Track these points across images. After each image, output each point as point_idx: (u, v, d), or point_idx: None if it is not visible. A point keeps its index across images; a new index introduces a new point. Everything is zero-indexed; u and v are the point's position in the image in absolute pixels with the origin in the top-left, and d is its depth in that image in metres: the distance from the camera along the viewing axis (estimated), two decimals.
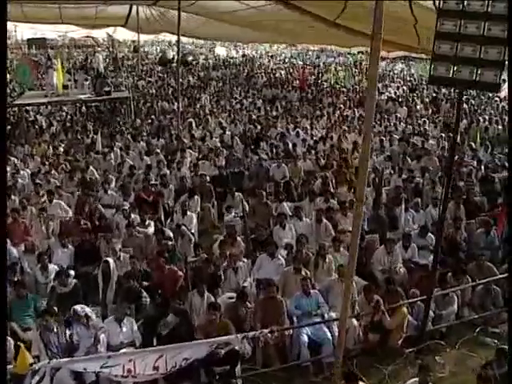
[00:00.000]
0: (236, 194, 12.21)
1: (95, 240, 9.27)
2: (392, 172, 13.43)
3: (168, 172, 13.20)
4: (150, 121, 19.09)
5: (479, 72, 6.10)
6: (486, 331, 8.11)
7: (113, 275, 7.66)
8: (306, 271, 8.07)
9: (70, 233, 9.42)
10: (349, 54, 39.17)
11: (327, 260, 8.43)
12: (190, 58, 28.71)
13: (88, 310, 6.69)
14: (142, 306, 7.26)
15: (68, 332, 6.44)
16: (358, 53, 37.84)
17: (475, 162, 14.43)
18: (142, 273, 7.90)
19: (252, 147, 15.78)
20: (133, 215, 10.14)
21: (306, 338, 7.06)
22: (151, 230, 9.63)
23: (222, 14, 18.34)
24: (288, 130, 18.06)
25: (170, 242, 8.63)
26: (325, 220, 9.91)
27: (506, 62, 6.05)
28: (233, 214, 10.91)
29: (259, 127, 18.49)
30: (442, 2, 6.15)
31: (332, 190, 12.07)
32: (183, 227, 9.34)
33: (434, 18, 12.04)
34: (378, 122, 19.52)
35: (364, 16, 14.63)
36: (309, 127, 18.41)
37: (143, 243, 9.16)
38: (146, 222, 9.79)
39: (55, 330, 6.37)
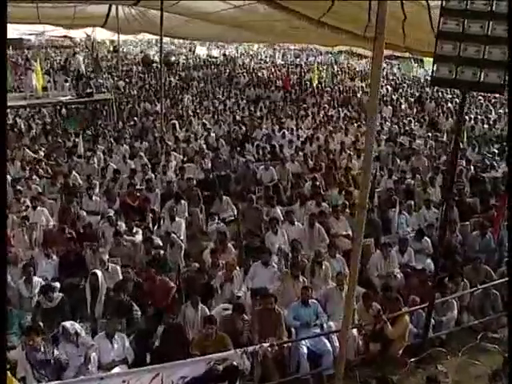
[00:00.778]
0: (224, 197, 11.93)
1: (81, 250, 8.88)
2: (382, 173, 13.23)
3: (153, 176, 12.87)
4: (132, 123, 18.68)
5: (483, 73, 5.90)
6: (487, 336, 7.93)
7: (101, 288, 7.28)
8: (304, 279, 7.80)
9: (55, 242, 9.01)
10: (330, 53, 39.01)
11: (324, 267, 8.17)
12: (173, 59, 28.25)
13: (78, 326, 6.32)
14: (133, 320, 6.91)
15: (56, 351, 6.06)
16: (339, 52, 37.81)
17: (464, 162, 14.31)
18: (132, 284, 7.52)
19: (238, 149, 15.49)
20: (119, 222, 9.78)
21: (305, 350, 6.79)
22: (139, 237, 9.27)
23: (205, 13, 18.00)
24: (273, 130, 17.82)
25: (160, 251, 8.27)
26: (317, 224, 9.65)
27: None
28: (216, 221, 10.56)
29: (244, 128, 18.22)
30: (444, 1, 5.91)
31: (322, 192, 11.82)
32: (173, 235, 8.99)
33: (425, 14, 11.92)
34: (364, 122, 19.36)
35: (351, 15, 14.49)
36: (294, 128, 18.12)
37: (131, 252, 8.81)
38: (134, 230, 9.42)
39: (42, 349, 5.99)
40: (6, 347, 6.44)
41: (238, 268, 8.18)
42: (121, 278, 7.86)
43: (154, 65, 28.13)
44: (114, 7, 20.40)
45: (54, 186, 11.98)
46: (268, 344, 6.20)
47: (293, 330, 7.17)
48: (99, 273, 7.40)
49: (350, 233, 10.02)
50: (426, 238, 9.45)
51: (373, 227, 9.99)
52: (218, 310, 7.26)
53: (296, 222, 10.02)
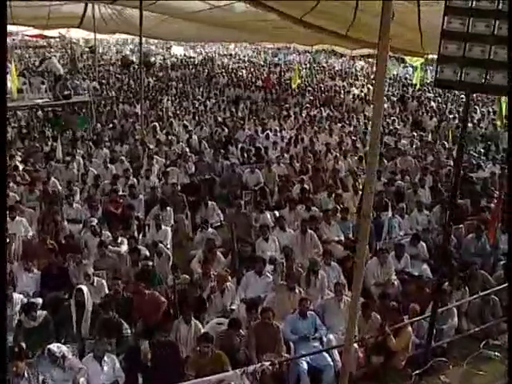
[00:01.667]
0: (209, 203, 11.56)
1: (63, 262, 8.42)
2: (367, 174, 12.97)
3: (136, 181, 12.43)
4: (111, 125, 18.14)
5: (488, 74, 5.64)
6: (487, 344, 7.73)
7: (87, 304, 6.83)
8: (300, 289, 7.48)
9: (35, 254, 8.51)
10: (308, 52, 38.78)
11: (320, 276, 7.85)
12: (153, 59, 27.70)
13: (65, 349, 5.89)
14: (122, 339, 6.51)
15: (41, 376, 5.64)
16: (317, 51, 37.58)
17: (451, 162, 14.15)
18: (120, 299, 7.10)
19: (222, 152, 15.10)
20: (103, 231, 9.34)
21: (305, 366, 6.48)
22: (124, 248, 8.85)
23: (183, 13, 17.59)
24: (257, 132, 17.47)
25: (149, 263, 7.85)
26: (310, 231, 9.34)
27: None
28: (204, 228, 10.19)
29: (226, 130, 17.84)
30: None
31: (311, 196, 11.51)
32: (160, 245, 8.58)
33: (414, 14, 11.68)
34: (347, 122, 19.16)
35: (334, 14, 14.23)
36: (277, 128, 17.80)
37: (117, 264, 8.38)
38: (119, 240, 8.98)
39: (26, 374, 5.57)
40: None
41: (230, 279, 7.83)
42: (107, 292, 7.44)
43: (134, 65, 27.43)
44: (89, 7, 19.83)
45: (32, 194, 11.43)
46: (269, 363, 5.84)
47: (291, 344, 6.85)
48: (85, 288, 6.96)
49: (342, 238, 9.78)
50: (421, 242, 9.20)
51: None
52: (211, 325, 6.90)
53: (287, 228, 9.70)
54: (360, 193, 11.36)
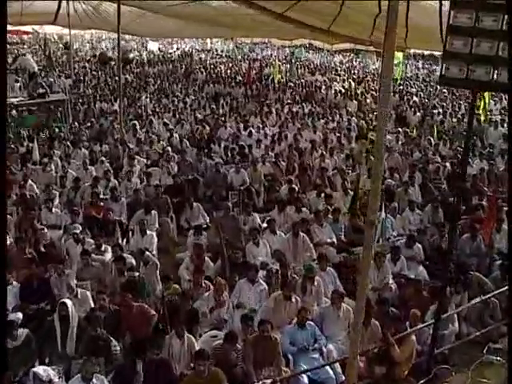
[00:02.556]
0: (194, 204, 11.18)
1: (44, 272, 7.94)
2: (359, 173, 12.67)
3: (117, 183, 11.97)
4: (89, 124, 17.53)
5: (496, 71, 5.34)
6: (489, 348, 7.49)
7: (72, 320, 6.39)
8: (296, 298, 7.15)
9: (13, 265, 8.01)
10: (286, 46, 38.39)
11: (316, 283, 7.52)
12: (131, 56, 27.01)
13: (51, 372, 5.48)
14: (111, 357, 6.09)
15: None
16: (294, 46, 37.19)
17: (439, 158, 13.97)
18: (107, 314, 6.67)
19: (205, 150, 14.68)
20: (85, 239, 8.88)
21: (306, 380, 6.17)
22: (108, 256, 8.41)
23: (160, 7, 17.09)
24: (239, 129, 17.07)
25: (135, 274, 7.42)
26: (302, 233, 9.01)
27: None
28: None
29: (208, 127, 17.39)
30: None
31: (299, 196, 11.17)
32: (147, 253, 8.15)
33: (403, 9, 11.41)
34: (330, 118, 18.86)
35: (317, 9, 13.90)
36: (260, 125, 17.42)
37: (101, 273, 7.93)
38: (102, 247, 8.53)
39: None
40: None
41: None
42: (92, 305, 7.02)
43: (113, 63, 26.73)
44: (64, 3, 19.19)
45: (8, 198, 10.89)
46: (270, 381, 5.50)
47: (289, 356, 6.52)
48: (69, 302, 6.51)
49: (334, 240, 9.48)
50: (417, 244, 8.94)
51: (360, 234, 9.43)
52: (205, 339, 6.54)
53: (278, 231, 9.36)
54: (350, 192, 11.12)
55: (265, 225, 9.82)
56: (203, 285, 7.41)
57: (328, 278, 7.86)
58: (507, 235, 9.44)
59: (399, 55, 24.15)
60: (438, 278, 8.55)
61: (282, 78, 26.72)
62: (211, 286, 7.38)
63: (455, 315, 7.53)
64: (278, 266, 8.32)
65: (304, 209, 10.32)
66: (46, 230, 9.29)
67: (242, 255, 8.59)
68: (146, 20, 20.15)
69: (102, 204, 10.57)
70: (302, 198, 10.79)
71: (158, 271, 8.13)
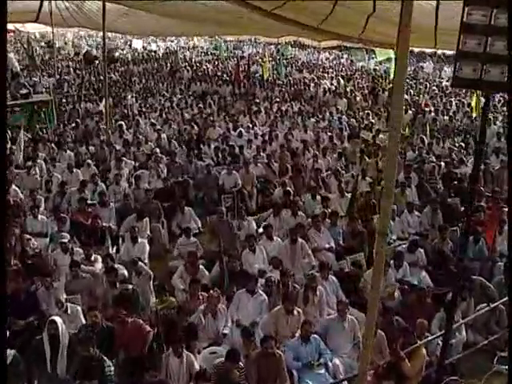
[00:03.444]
0: (186, 208, 10.81)
1: (31, 285, 7.52)
2: (353, 174, 12.37)
3: (105, 187, 11.55)
4: (74, 125, 17.02)
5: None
6: (498, 357, 7.22)
7: (62, 339, 5.98)
8: (299, 310, 6.82)
9: None
10: (274, 44, 37.99)
11: (318, 293, 7.19)
12: (117, 54, 26.41)
13: None
14: (105, 379, 5.70)
15: None
16: (279, 43, 36.79)
17: (433, 157, 13.73)
18: (99, 331, 6.27)
19: (195, 152, 14.27)
20: (74, 248, 8.47)
21: None
22: (99, 266, 8.01)
23: (145, 4, 16.66)
24: (228, 129, 16.68)
25: (128, 287, 7.02)
26: (300, 239, 8.68)
27: None
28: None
29: (196, 128, 16.98)
30: None
31: (294, 199, 10.82)
32: (140, 263, 7.75)
33: (397, 8, 11.13)
34: (321, 116, 18.55)
35: (308, 6, 13.57)
36: (250, 125, 17.05)
37: (92, 285, 7.53)
38: (92, 257, 8.12)
39: None
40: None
41: (222, 299, 7.11)
42: (83, 321, 6.63)
43: (98, 61, 26.13)
44: (45, 1, 18.65)
45: None
46: None
47: (294, 372, 6.18)
48: (58, 320, 6.10)
49: (333, 245, 9.16)
50: (419, 249, 8.66)
51: (359, 239, 9.16)
52: (205, 356, 6.19)
53: (275, 237, 9.02)
54: (347, 194, 10.83)
55: (260, 230, 9.47)
56: (200, 297, 7.03)
57: (330, 287, 7.55)
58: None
59: (387, 53, 23.98)
60: (442, 283, 8.38)
61: (269, 75, 26.31)
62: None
63: (461, 321, 7.25)
64: (278, 275, 7.97)
65: (300, 212, 9.98)
66: (32, 240, 8.83)
67: (240, 264, 8.21)
68: (131, 18, 19.73)
69: (89, 210, 10.15)
70: (297, 202, 10.40)
71: (151, 282, 7.75)
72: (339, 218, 9.68)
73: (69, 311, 6.72)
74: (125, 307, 6.56)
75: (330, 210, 9.97)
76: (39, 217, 9.89)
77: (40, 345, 6.02)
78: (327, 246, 9.05)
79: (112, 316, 6.57)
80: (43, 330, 6.16)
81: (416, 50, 21.81)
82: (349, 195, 10.87)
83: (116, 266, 7.68)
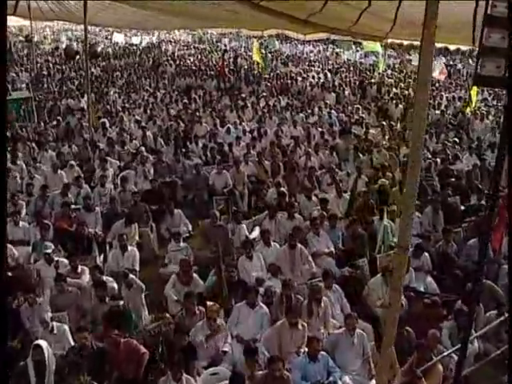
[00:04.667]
0: (175, 211, 10.30)
1: (12, 300, 6.96)
2: (349, 172, 11.93)
3: (89, 190, 10.99)
4: (55, 122, 16.34)
5: None
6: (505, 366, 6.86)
7: (49, 365, 5.46)
8: (303, 324, 6.37)
9: None
10: (258, 37, 37.37)
11: (323, 304, 6.75)
12: (99, 49, 25.58)
13: None
14: None
15: None
16: (261, 37, 36.14)
17: (429, 154, 13.36)
18: (90, 354, 5.75)
19: (182, 150, 13.70)
20: (58, 258, 7.91)
21: None
22: (86, 278, 7.47)
23: None
24: (216, 125, 16.12)
25: (119, 303, 6.49)
26: (299, 245, 8.23)
27: None
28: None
29: (182, 124, 16.41)
30: None
31: (290, 201, 10.35)
32: (131, 276, 7.22)
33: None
34: (310, 111, 18.09)
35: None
36: (237, 121, 16.49)
37: (78, 300, 7.00)
38: (78, 269, 7.58)
39: None
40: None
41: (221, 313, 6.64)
42: (71, 341, 6.12)
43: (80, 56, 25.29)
44: None
45: None
46: None
47: None
48: (44, 344, 5.57)
49: (332, 249, 8.72)
50: (425, 253, 8.26)
51: (360, 242, 8.73)
52: (205, 378, 5.71)
53: (272, 243, 8.55)
54: (344, 194, 10.42)
55: (253, 235, 8.98)
56: (197, 311, 6.54)
57: (334, 297, 7.11)
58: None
59: (375, 46, 23.61)
60: (448, 288, 8.00)
61: (253, 69, 25.75)
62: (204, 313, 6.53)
63: (473, 332, 6.85)
64: (278, 283, 7.53)
65: (297, 215, 9.53)
66: (14, 251, 8.24)
67: (237, 273, 7.73)
68: (113, 11, 19.05)
69: (74, 215, 9.60)
70: (293, 203, 9.93)
71: (143, 294, 7.24)
72: (339, 221, 9.24)
73: (55, 331, 6.19)
74: (116, 326, 6.06)
75: (329, 213, 9.54)
76: (20, 223, 9.31)
77: (24, 371, 5.49)
78: (327, 250, 8.60)
79: (102, 335, 6.04)
80: (27, 354, 5.63)
81: (405, 42, 21.30)
82: (346, 195, 10.50)
83: (105, 278, 7.13)
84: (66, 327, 6.29)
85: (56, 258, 7.78)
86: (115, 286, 7.09)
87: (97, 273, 7.16)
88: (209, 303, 6.53)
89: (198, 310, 6.56)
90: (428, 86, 4.40)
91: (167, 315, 6.53)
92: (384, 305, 7.31)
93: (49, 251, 7.75)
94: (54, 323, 6.25)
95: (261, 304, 6.79)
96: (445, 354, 6.19)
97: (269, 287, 7.15)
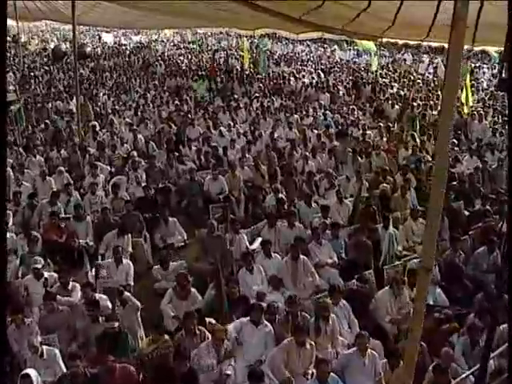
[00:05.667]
0: (170, 219, 9.89)
1: None
2: (348, 176, 11.52)
3: (79, 198, 10.54)
4: (43, 126, 15.82)
5: None
6: None
7: None
8: (311, 343, 5.98)
9: None
10: (248, 36, 36.92)
11: (330, 322, 6.37)
12: (88, 50, 24.94)
13: None
14: None
15: None
16: (251, 36, 35.68)
17: (429, 156, 13.01)
18: (84, 381, 5.32)
19: (175, 154, 13.21)
20: (46, 273, 7.45)
21: None
22: (77, 296, 7.02)
23: None
24: (208, 128, 15.66)
25: (115, 324, 6.04)
26: (302, 256, 7.84)
27: None
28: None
29: (174, 127, 15.95)
30: None
31: (287, 207, 9.94)
32: (126, 294, 6.79)
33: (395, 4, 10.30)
34: (305, 112, 17.69)
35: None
36: (231, 123, 16.05)
37: (70, 319, 6.56)
38: (69, 285, 7.13)
39: None
40: None
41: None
42: (62, 366, 5.69)
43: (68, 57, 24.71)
44: None
45: None
46: None
47: None
48: (33, 373, 5.15)
49: (335, 260, 8.35)
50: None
51: (364, 252, 8.35)
52: None
53: (273, 254, 8.15)
54: (345, 200, 10.05)
55: (254, 246, 8.56)
56: (197, 332, 6.13)
57: (341, 313, 6.73)
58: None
59: (368, 45, 23.27)
60: (458, 301, 7.64)
61: (245, 69, 25.30)
62: (207, 334, 6.12)
63: None
64: (279, 296, 7.15)
65: (297, 223, 9.13)
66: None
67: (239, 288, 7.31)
68: (101, 10, 18.61)
69: (63, 225, 9.14)
70: (293, 211, 9.51)
71: (139, 313, 6.82)
72: (341, 229, 8.87)
73: (45, 356, 5.75)
74: (111, 349, 5.64)
75: (329, 220, 9.18)
76: (7, 234, 8.83)
77: None
78: (330, 260, 8.23)
79: (96, 360, 5.62)
80: (15, 380, 5.20)
81: (400, 42, 21.03)
82: (347, 201, 10.14)
83: (97, 296, 6.69)
84: (57, 351, 5.86)
85: (45, 274, 7.31)
86: (109, 304, 6.63)
87: (89, 290, 6.70)
88: (211, 321, 6.10)
89: (198, 330, 6.13)
90: (456, 92, 4.03)
91: (165, 336, 6.09)
92: (394, 321, 6.97)
93: (38, 266, 7.29)
94: (44, 347, 5.81)
95: (265, 322, 6.38)
96: (463, 376, 5.80)
97: (272, 303, 6.73)
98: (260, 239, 8.50)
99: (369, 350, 5.87)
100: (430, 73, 26.00)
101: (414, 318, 4.30)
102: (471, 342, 6.57)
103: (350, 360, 5.88)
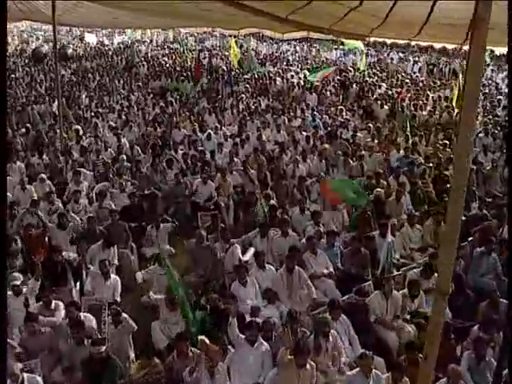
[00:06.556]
0: (162, 225, 9.51)
1: None
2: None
3: (62, 207, 10.10)
4: (24, 130, 15.28)
5: None
6: None
7: None
8: (312, 364, 5.63)
9: None
10: (229, 36, 36.45)
11: (331, 339, 6.03)
12: (70, 51, 24.27)
13: None
14: None
15: None
16: (233, 36, 35.29)
17: (421, 158, 12.73)
18: None
19: (160, 158, 12.76)
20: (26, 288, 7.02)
21: None
22: (60, 315, 6.58)
23: None
24: (195, 130, 15.24)
25: (102, 348, 5.62)
26: (297, 267, 7.48)
27: None
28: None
29: (159, 129, 15.51)
30: None
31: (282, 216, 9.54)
32: (124, 316, 6.35)
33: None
34: (292, 114, 17.33)
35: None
36: (218, 125, 15.64)
37: (53, 342, 6.13)
38: (52, 305, 6.68)
39: None
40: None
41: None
42: None
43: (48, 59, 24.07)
44: None
45: None
46: None
47: None
48: None
49: (331, 270, 8.00)
50: (435, 273, 7.58)
51: (362, 262, 8.03)
52: None
53: (267, 265, 7.78)
54: (339, 207, 9.73)
55: (247, 257, 8.16)
56: (190, 354, 5.74)
57: (341, 329, 6.39)
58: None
59: (354, 45, 23.02)
60: (459, 311, 7.35)
61: (231, 69, 24.87)
62: (201, 355, 5.72)
63: (493, 361, 6.21)
64: (274, 311, 6.80)
65: (291, 232, 8.77)
66: None
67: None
68: (83, 10, 18.08)
69: (46, 237, 8.69)
70: (286, 219, 9.11)
71: (131, 336, 6.41)
72: (336, 237, 8.53)
73: (25, 383, 5.33)
74: (98, 376, 5.23)
75: (322, 227, 8.85)
76: None
77: None
78: (326, 271, 7.88)
79: None
80: None
81: (388, 41, 20.79)
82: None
83: (82, 316, 6.26)
84: (39, 379, 5.43)
85: (25, 289, 6.88)
86: (94, 324, 6.23)
87: (73, 310, 6.27)
88: (204, 339, 5.70)
89: (191, 351, 5.75)
90: (478, 94, 3.72)
91: (156, 360, 5.69)
92: (380, 321, 6.69)
93: (17, 283, 6.85)
94: (25, 375, 5.38)
95: (261, 340, 6.02)
96: None
97: (267, 319, 6.37)
98: (252, 250, 8.10)
99: (374, 372, 5.53)
100: (414, 72, 25.90)
101: (429, 344, 3.97)
102: (476, 356, 6.28)
103: (353, 382, 5.54)
